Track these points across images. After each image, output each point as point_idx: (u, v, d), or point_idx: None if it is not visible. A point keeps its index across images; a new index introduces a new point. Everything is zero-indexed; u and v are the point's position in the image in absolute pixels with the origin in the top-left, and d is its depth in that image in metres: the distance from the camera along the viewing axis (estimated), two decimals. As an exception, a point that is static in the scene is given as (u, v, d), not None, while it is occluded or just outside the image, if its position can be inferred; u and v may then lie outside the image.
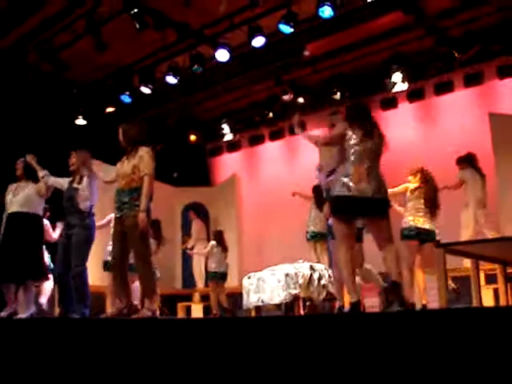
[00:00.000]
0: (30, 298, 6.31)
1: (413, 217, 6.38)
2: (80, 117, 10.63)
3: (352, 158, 4.51)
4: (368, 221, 4.71)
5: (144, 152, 5.34)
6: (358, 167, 4.46)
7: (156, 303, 6.69)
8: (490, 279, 7.26)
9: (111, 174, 5.65)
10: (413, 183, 6.50)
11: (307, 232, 9.32)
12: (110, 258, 6.87)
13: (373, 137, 4.60)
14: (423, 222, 6.35)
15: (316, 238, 9.16)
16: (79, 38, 8.64)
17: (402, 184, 6.56)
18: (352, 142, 4.54)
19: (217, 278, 9.63)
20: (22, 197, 6.32)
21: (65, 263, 5.92)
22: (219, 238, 9.78)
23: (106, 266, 8.17)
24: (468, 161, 8.00)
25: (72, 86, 10.36)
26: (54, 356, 4.24)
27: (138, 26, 8.08)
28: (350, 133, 4.57)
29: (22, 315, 6.03)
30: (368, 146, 4.53)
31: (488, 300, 6.88)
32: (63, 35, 8.67)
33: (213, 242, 9.71)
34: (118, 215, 5.32)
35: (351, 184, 4.42)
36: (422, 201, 6.41)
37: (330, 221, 5.65)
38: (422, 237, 6.34)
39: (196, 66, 9.17)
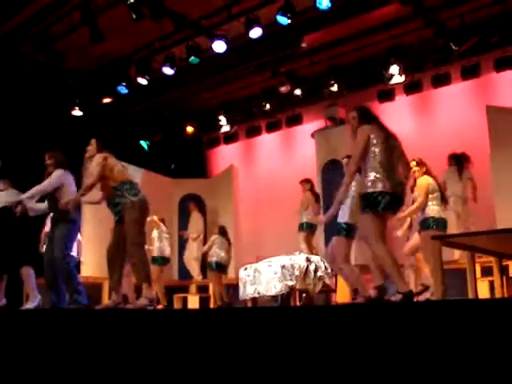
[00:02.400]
0: (33, 288, 6.41)
1: (437, 207, 6.41)
2: (76, 108, 10.60)
3: (379, 156, 4.63)
4: (390, 217, 4.87)
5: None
6: (387, 165, 4.62)
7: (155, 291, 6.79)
8: (486, 271, 7.28)
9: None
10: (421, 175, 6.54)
11: (300, 223, 9.38)
12: None
13: (392, 135, 4.83)
14: (439, 212, 6.41)
15: (311, 228, 9.21)
16: (75, 29, 8.60)
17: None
18: (376, 141, 4.68)
19: (216, 269, 9.72)
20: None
21: (51, 257, 6.01)
22: (223, 230, 9.94)
23: None
24: (455, 159, 8.13)
25: (68, 77, 10.33)
26: (50, 346, 4.25)
27: (134, 16, 8.04)
28: (372, 135, 4.71)
29: (29, 305, 6.14)
30: (391, 143, 4.75)
31: (483, 292, 6.90)
32: (59, 25, 8.63)
33: (215, 236, 9.82)
34: (116, 219, 5.64)
35: (385, 180, 4.55)
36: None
37: (345, 218, 5.75)
38: (441, 226, 6.39)
39: (193, 57, 9.15)
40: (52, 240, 6.06)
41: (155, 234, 10.01)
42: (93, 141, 5.93)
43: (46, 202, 6.41)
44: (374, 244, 4.62)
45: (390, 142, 4.74)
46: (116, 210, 5.55)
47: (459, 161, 8.16)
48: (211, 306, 10.07)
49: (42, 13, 8.48)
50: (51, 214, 6.42)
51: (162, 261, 9.97)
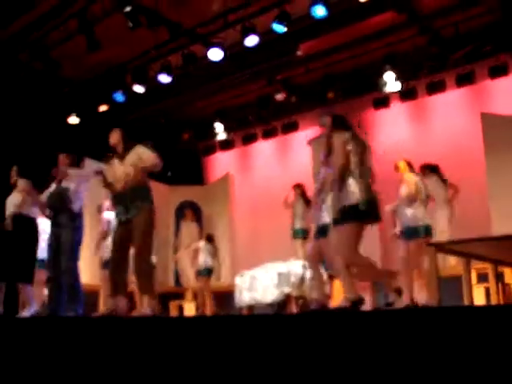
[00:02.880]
0: (29, 296, 6.37)
1: (423, 211, 6.40)
2: (73, 115, 10.61)
3: (357, 165, 4.60)
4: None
5: (141, 148, 5.43)
6: (369, 172, 4.64)
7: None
8: (482, 278, 7.30)
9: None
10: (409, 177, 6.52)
11: (294, 229, 9.43)
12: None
13: (367, 145, 4.80)
14: (425, 217, 6.41)
15: (304, 234, 9.24)
16: (72, 37, 8.62)
17: (392, 182, 6.57)
18: (355, 151, 4.63)
19: (207, 275, 9.85)
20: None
21: (56, 265, 5.92)
22: (210, 238, 10.15)
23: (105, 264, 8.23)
24: (430, 168, 8.06)
25: (65, 85, 10.35)
26: (48, 354, 4.25)
27: (130, 24, 8.07)
28: (349, 144, 4.65)
29: (25, 313, 6.10)
30: (366, 153, 4.73)
31: (479, 299, 6.92)
32: (56, 33, 8.65)
33: (202, 242, 10.02)
34: (123, 219, 5.33)
35: (367, 190, 4.56)
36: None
37: (324, 219, 5.65)
38: (430, 233, 6.41)
39: (189, 66, 9.19)
40: (57, 249, 5.96)
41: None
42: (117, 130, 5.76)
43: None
44: (351, 257, 4.56)
45: (365, 151, 4.72)
46: (131, 210, 5.27)
47: (435, 168, 8.04)
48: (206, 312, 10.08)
49: (39, 21, 8.50)
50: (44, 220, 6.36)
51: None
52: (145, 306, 5.24)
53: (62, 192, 6.05)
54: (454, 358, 2.55)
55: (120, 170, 5.36)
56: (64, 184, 6.10)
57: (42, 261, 6.49)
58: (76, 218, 5.97)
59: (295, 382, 2.95)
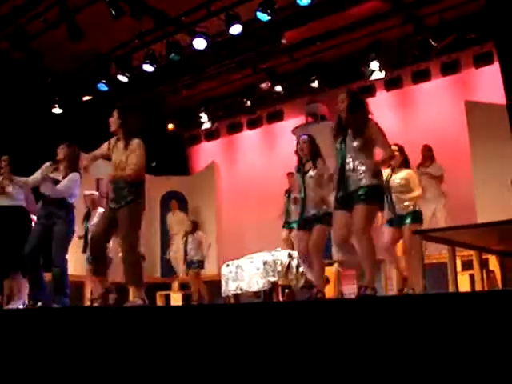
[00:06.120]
0: (19, 289, 6.35)
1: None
2: (56, 105, 10.52)
3: (367, 150, 4.63)
4: None
5: (136, 145, 5.39)
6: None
7: None
8: (466, 265, 7.35)
9: (101, 170, 5.64)
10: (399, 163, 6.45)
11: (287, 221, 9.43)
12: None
13: None
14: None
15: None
16: (54, 26, 8.51)
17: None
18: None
19: (198, 267, 9.94)
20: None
21: (36, 249, 5.91)
22: (195, 227, 10.21)
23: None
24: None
25: (48, 75, 10.24)
26: (36, 347, 4.22)
27: (113, 13, 7.99)
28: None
29: (12, 305, 6.09)
30: None
31: (464, 286, 6.97)
32: (37, 23, 8.52)
33: (188, 234, 10.15)
34: (113, 206, 5.31)
35: (378, 173, 4.59)
36: None
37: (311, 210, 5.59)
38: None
39: (173, 55, 9.12)
40: (45, 237, 5.94)
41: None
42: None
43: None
44: (364, 237, 4.49)
45: None
46: (121, 199, 5.25)
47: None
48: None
49: (19, 9, 8.38)
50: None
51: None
52: (134, 297, 5.27)
53: (56, 183, 6.06)
54: (439, 345, 2.56)
55: (122, 158, 5.33)
56: (60, 176, 6.12)
57: None
58: (70, 211, 5.98)
59: (283, 370, 2.95)
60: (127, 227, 5.23)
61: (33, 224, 6.46)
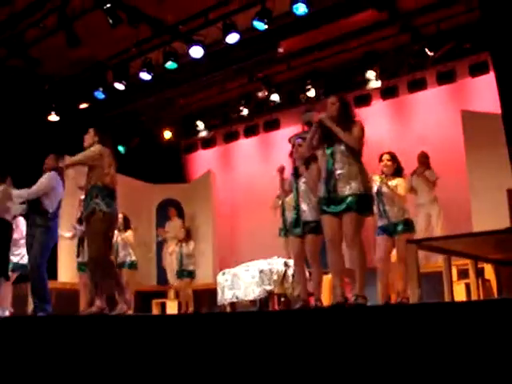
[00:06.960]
0: (4, 296, 6.36)
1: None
2: (53, 113, 10.50)
3: (358, 157, 4.64)
4: None
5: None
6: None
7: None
8: (462, 274, 7.35)
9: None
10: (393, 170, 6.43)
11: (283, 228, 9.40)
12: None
13: None
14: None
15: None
16: (52, 34, 8.51)
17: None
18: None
19: (184, 276, 10.08)
20: None
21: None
22: (188, 236, 10.38)
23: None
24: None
25: (44, 82, 10.24)
26: (24, 355, 4.21)
27: (111, 21, 7.99)
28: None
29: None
30: None
31: (460, 295, 6.97)
32: (35, 30, 8.52)
33: (180, 243, 10.32)
34: (84, 214, 5.46)
35: (366, 179, 4.62)
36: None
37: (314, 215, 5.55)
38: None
39: (170, 63, 9.13)
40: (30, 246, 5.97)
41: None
42: (91, 130, 5.81)
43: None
44: (356, 246, 4.54)
45: None
46: (86, 211, 5.31)
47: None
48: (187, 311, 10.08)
49: (17, 17, 8.39)
50: (21, 218, 6.37)
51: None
52: (120, 304, 5.26)
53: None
54: (435, 354, 2.55)
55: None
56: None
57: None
58: (50, 220, 5.97)
59: (280, 378, 2.95)
60: (90, 235, 5.40)
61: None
